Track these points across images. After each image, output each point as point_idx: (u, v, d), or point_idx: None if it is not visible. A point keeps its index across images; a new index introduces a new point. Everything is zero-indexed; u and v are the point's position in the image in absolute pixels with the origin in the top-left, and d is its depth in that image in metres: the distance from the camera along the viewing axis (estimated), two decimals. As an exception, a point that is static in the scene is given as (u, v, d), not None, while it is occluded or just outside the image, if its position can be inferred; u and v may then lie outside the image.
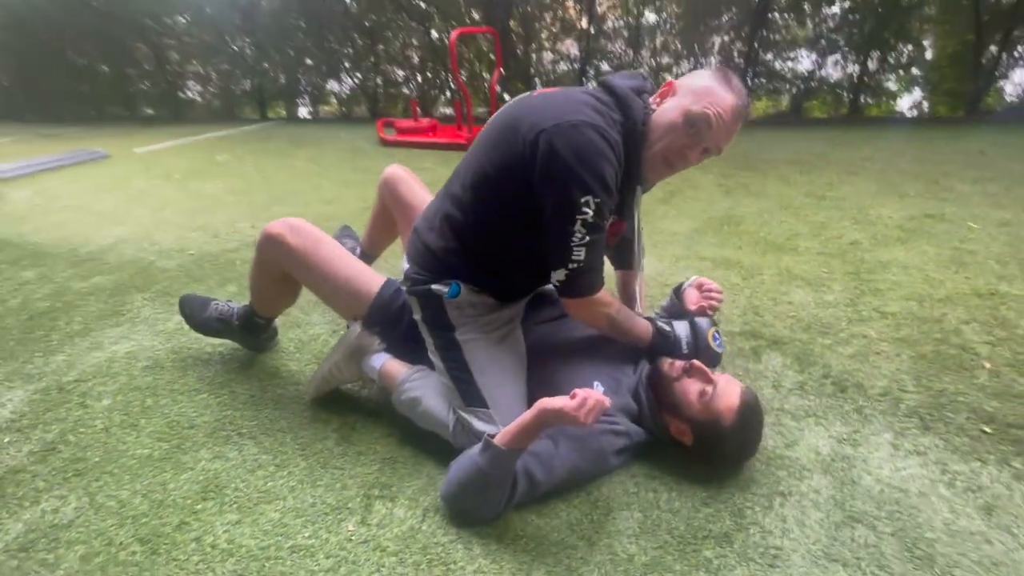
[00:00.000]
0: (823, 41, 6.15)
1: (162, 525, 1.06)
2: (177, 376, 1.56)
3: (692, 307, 1.30)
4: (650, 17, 7.01)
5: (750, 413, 1.04)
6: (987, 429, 1.18)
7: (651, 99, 1.07)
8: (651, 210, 2.76)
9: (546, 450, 1.05)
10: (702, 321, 1.23)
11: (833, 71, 6.22)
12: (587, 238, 0.99)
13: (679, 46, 7.14)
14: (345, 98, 9.70)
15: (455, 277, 1.15)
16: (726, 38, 7.02)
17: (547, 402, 0.94)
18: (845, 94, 6.26)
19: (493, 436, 0.99)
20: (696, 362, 1.10)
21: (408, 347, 1.31)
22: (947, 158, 3.42)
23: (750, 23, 6.29)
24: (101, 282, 2.25)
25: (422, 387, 1.24)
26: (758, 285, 1.88)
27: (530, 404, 1.17)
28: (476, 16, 7.38)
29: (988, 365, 1.38)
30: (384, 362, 1.30)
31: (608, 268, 1.20)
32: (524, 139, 0.97)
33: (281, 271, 1.34)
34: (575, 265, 1.02)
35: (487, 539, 1.00)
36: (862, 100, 6.16)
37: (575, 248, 1.00)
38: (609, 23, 7.25)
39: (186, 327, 1.61)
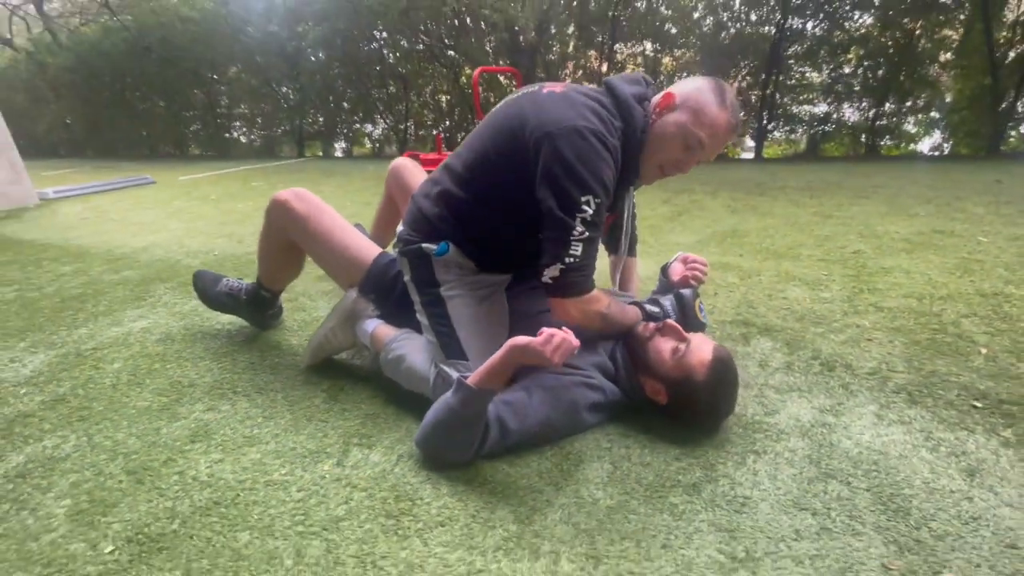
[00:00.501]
0: (839, 86, 6.29)
1: (150, 461, 1.11)
2: (185, 347, 1.64)
3: (677, 278, 1.32)
4: (667, 63, 7.32)
5: (723, 368, 1.04)
6: (978, 404, 1.14)
7: (651, 106, 1.11)
8: (658, 226, 2.82)
9: (519, 399, 1.07)
10: (686, 292, 1.26)
11: (850, 114, 6.33)
12: (586, 234, 1.03)
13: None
14: (378, 140, 10.28)
15: (447, 239, 1.20)
16: (743, 84, 7.25)
17: (515, 340, 0.97)
18: (863, 136, 6.33)
19: (466, 377, 1.01)
20: (669, 321, 1.11)
21: (401, 315, 1.36)
22: (962, 185, 3.40)
23: (765, 70, 6.50)
24: (130, 275, 2.41)
25: (407, 346, 1.28)
26: (755, 284, 1.88)
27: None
28: (502, 63, 7.84)
29: (984, 351, 1.34)
30: (376, 326, 1.36)
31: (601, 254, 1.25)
32: (529, 136, 1.03)
33: (286, 238, 1.43)
34: (571, 259, 1.04)
35: (455, 481, 1.01)
36: (880, 142, 6.20)
37: (573, 243, 1.03)
38: (628, 69, 7.61)
39: (200, 308, 1.71)
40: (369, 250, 1.40)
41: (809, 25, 6.20)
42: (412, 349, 1.27)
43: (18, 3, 12.37)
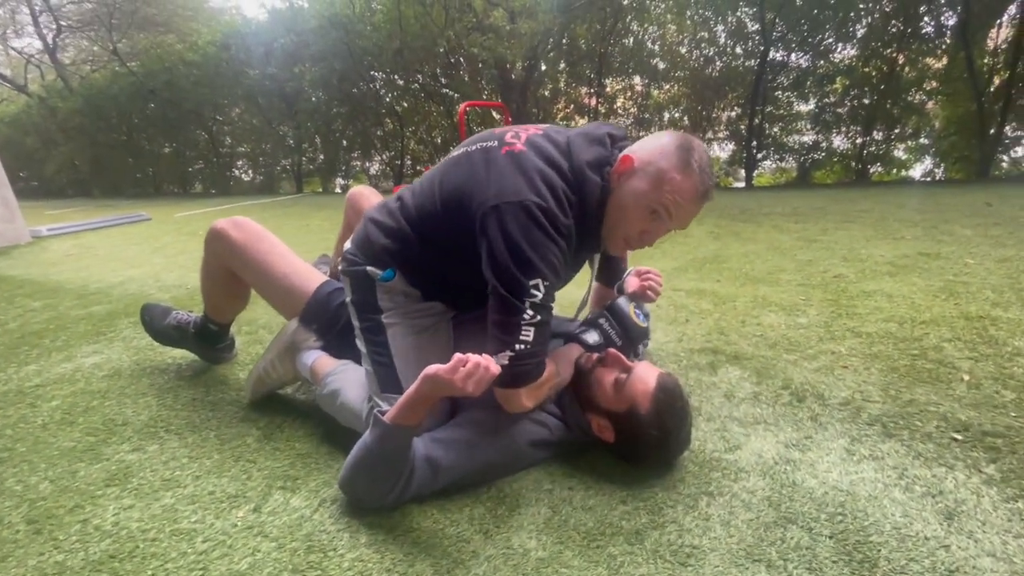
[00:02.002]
0: (826, 115, 6.35)
1: (56, 508, 1.02)
2: (131, 382, 1.57)
3: (630, 291, 1.26)
4: (656, 95, 7.45)
5: (668, 397, 0.96)
6: (958, 436, 1.04)
7: (611, 172, 1.00)
8: (641, 254, 2.76)
9: (452, 436, 0.99)
10: (619, 302, 1.19)
11: (839, 142, 6.36)
12: (536, 318, 0.94)
13: (687, 121, 7.49)
14: (375, 175, 10.44)
15: (393, 267, 1.12)
16: (732, 114, 7.35)
17: (428, 368, 0.88)
18: (854, 163, 6.34)
19: (383, 413, 0.93)
20: (611, 351, 1.04)
21: (344, 347, 1.28)
22: (950, 208, 3.34)
23: (752, 101, 6.58)
24: (97, 310, 2.36)
25: (343, 380, 1.20)
26: (728, 310, 1.80)
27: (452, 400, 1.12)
28: (495, 98, 8.01)
29: (967, 377, 1.25)
30: (315, 359, 1.28)
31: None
32: (477, 209, 0.95)
33: (226, 268, 1.37)
34: (522, 347, 0.95)
35: (377, 529, 0.91)
36: (871, 169, 6.21)
37: (524, 327, 0.94)
38: (619, 102, 7.74)
39: (154, 342, 1.64)
40: (311, 279, 1.34)
41: (793, 57, 6.32)
42: (348, 383, 1.19)
43: (33, 53, 12.91)
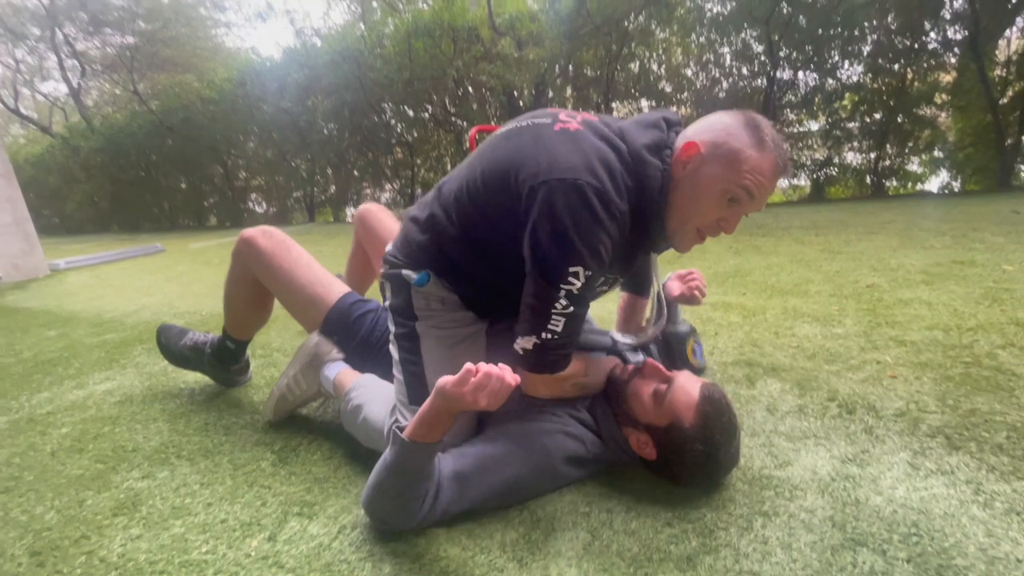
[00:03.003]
0: (836, 132, 6.34)
1: (61, 539, 0.96)
2: (142, 408, 1.53)
3: (675, 295, 1.20)
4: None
5: (715, 409, 0.88)
6: (1033, 448, 0.95)
7: (673, 157, 0.91)
8: (661, 272, 2.70)
9: (480, 452, 0.92)
10: (682, 330, 1.12)
11: (852, 157, 6.32)
12: (570, 309, 0.88)
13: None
14: (386, 203, 10.58)
15: (429, 268, 1.06)
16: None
17: (441, 381, 0.81)
18: (868, 178, 6.29)
19: (402, 429, 0.86)
20: (650, 360, 0.97)
21: (366, 360, 1.24)
22: (977, 217, 3.25)
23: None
24: (111, 338, 2.34)
25: (366, 395, 1.14)
26: (759, 322, 1.73)
27: (480, 417, 1.05)
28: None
29: (1031, 385, 1.16)
30: (338, 372, 1.23)
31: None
32: (523, 183, 0.87)
33: (252, 277, 1.34)
34: (549, 336, 0.89)
35: (402, 558, 0.84)
36: (886, 183, 6.14)
37: (554, 316, 0.88)
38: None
39: (170, 368, 1.61)
40: (334, 289, 1.31)
41: (800, 75, 6.36)
42: (371, 398, 1.13)
43: (59, 96, 13.46)
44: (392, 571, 0.81)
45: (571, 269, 0.85)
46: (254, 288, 1.37)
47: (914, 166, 6.22)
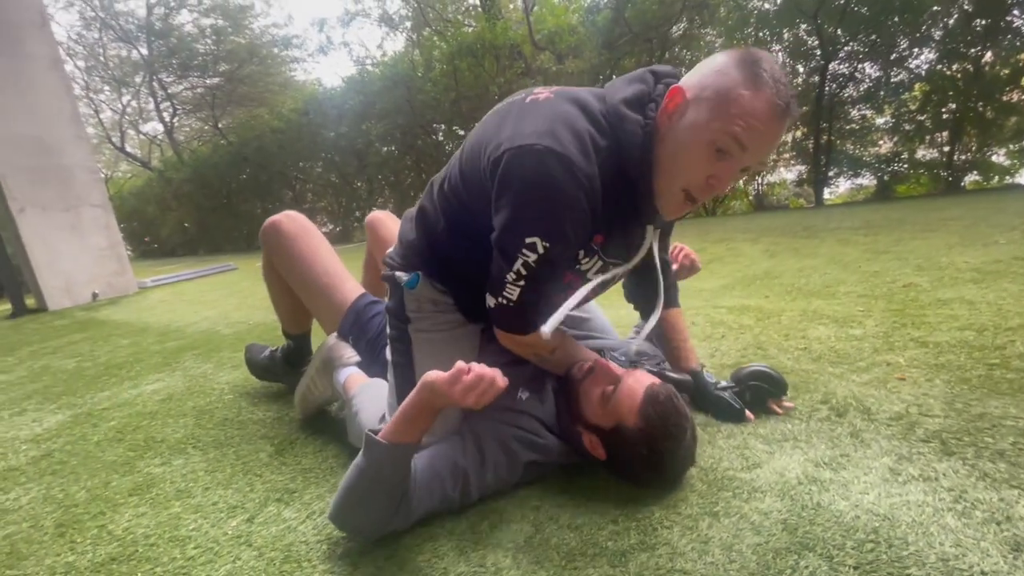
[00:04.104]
0: (905, 125, 5.83)
1: (83, 514, 1.10)
2: (178, 405, 1.69)
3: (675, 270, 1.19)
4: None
5: (658, 411, 0.85)
6: (1041, 455, 0.85)
7: (658, 112, 0.82)
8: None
9: (446, 451, 0.92)
10: (713, 387, 1.11)
11: (924, 152, 5.78)
12: (522, 281, 0.85)
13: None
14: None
15: (420, 269, 1.07)
16: (798, 134, 6.97)
17: (428, 375, 0.81)
18: (943, 173, 5.71)
19: (376, 432, 0.84)
20: (600, 360, 0.96)
21: (374, 360, 1.26)
22: (1062, 210, 2.88)
23: (820, 116, 6.22)
24: (170, 346, 2.60)
25: (366, 400, 1.17)
26: (771, 325, 1.64)
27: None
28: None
29: (1060, 388, 1.03)
30: (348, 376, 1.26)
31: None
32: (490, 156, 0.83)
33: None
34: (504, 302, 0.89)
35: (356, 540, 0.88)
36: (964, 178, 5.55)
37: (508, 285, 0.86)
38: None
39: (209, 371, 1.76)
40: (348, 284, 1.35)
41: (862, 67, 5.94)
42: (366, 402, 1.16)
43: (156, 135, 15.16)
44: (344, 552, 0.86)
45: (527, 240, 0.80)
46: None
47: (1000, 158, 5.59)
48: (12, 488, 1.25)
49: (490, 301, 0.91)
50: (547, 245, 0.81)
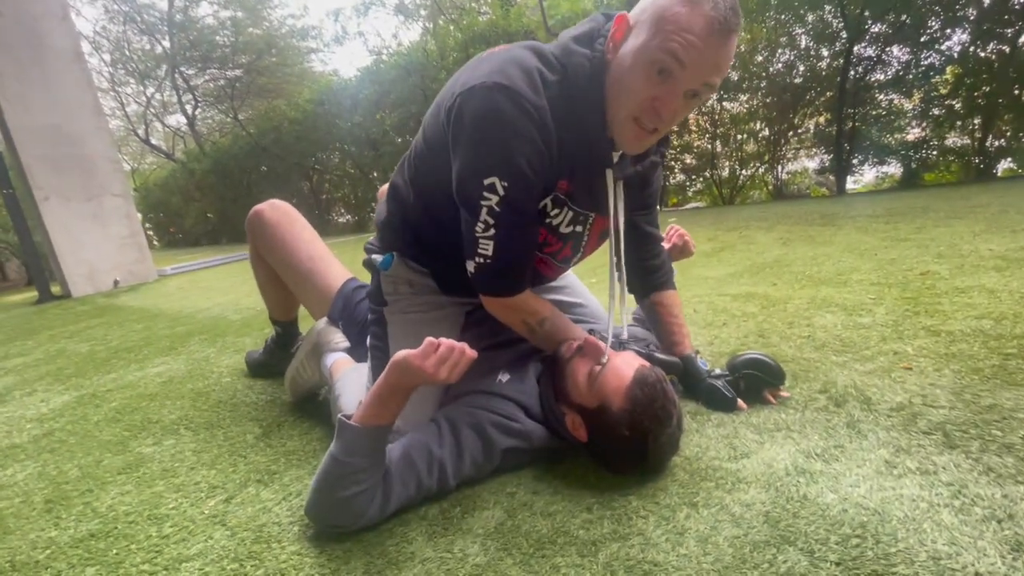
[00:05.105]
0: (935, 110, 5.57)
1: (72, 491, 1.11)
2: (177, 387, 1.71)
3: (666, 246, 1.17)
4: (729, 107, 7.04)
5: (646, 394, 0.82)
6: (1053, 449, 0.78)
7: (606, 44, 0.82)
8: (693, 262, 2.55)
9: (422, 440, 0.89)
10: (706, 375, 1.07)
11: (954, 138, 5.52)
12: (492, 230, 0.83)
13: (768, 132, 6.98)
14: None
15: (394, 249, 1.07)
16: (821, 120, 6.72)
17: (399, 354, 0.79)
18: (975, 160, 5.44)
19: (349, 417, 0.82)
20: (590, 338, 0.92)
21: (361, 344, 1.24)
22: (1100, 196, 2.71)
23: (845, 102, 5.98)
24: (179, 330, 2.64)
25: (347, 385, 1.17)
26: (776, 312, 1.57)
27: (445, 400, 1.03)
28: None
29: (1081, 380, 0.95)
30: (335, 360, 1.25)
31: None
32: (446, 107, 0.83)
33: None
34: (482, 260, 0.87)
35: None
36: (997, 165, 5.28)
37: (481, 240, 0.84)
38: (692, 118, 7.41)
39: (212, 355, 1.78)
40: (335, 268, 1.35)
41: (890, 51, 5.68)
42: (347, 387, 1.16)
43: (179, 127, 15.46)
44: (315, 534, 0.85)
45: (485, 182, 0.79)
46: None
47: (1037, 143, 5.30)
48: (10, 464, 1.28)
49: (470, 267, 0.90)
50: (506, 185, 0.80)
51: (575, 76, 0.81)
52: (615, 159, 0.89)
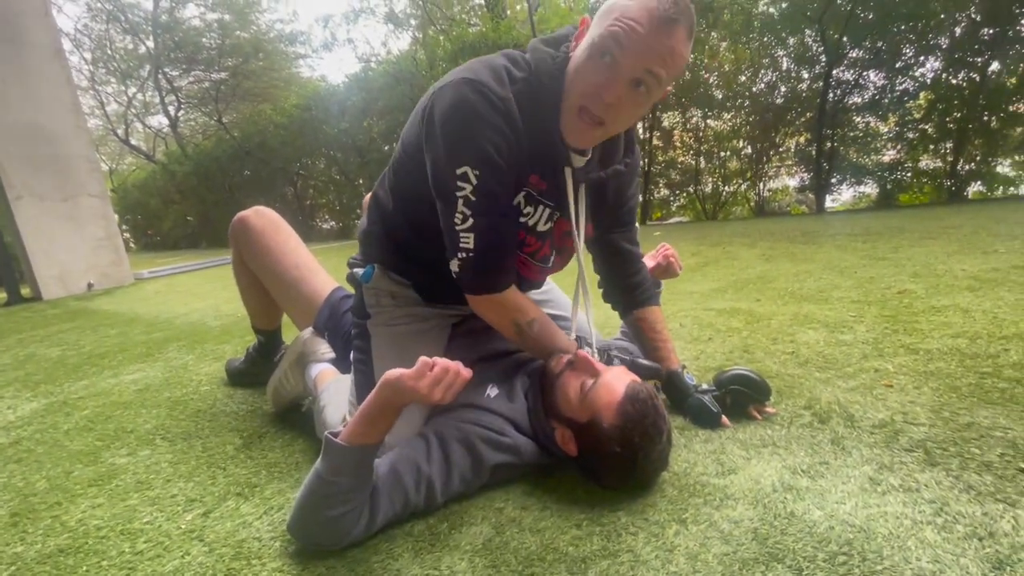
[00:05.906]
0: (909, 134, 5.78)
1: (40, 504, 1.06)
2: (153, 395, 1.66)
3: (651, 267, 1.20)
4: (713, 125, 7.20)
5: (637, 410, 0.82)
6: (1028, 467, 0.81)
7: (571, 45, 0.86)
8: (679, 276, 2.58)
9: (409, 455, 0.87)
10: (691, 389, 1.08)
11: (927, 161, 5.73)
12: (471, 220, 0.84)
13: (751, 151, 7.15)
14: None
15: (376, 261, 1.06)
16: (801, 140, 6.92)
17: (390, 373, 0.78)
18: (946, 183, 5.65)
19: (336, 435, 0.80)
20: (581, 352, 0.92)
21: (347, 356, 1.22)
22: (1065, 221, 2.83)
23: (824, 123, 6.16)
24: (156, 336, 2.57)
25: (330, 396, 1.15)
26: (760, 328, 1.60)
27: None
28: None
29: (1053, 399, 0.98)
30: (319, 371, 1.24)
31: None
32: (421, 108, 0.88)
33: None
34: (465, 255, 0.88)
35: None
36: (967, 188, 5.48)
37: (461, 234, 0.86)
38: (676, 135, 7.56)
39: (190, 362, 1.74)
40: (320, 276, 1.33)
41: (866, 75, 5.89)
42: (332, 399, 1.14)
43: (161, 128, 15.20)
44: (296, 550, 0.82)
45: (458, 171, 0.82)
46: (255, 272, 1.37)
47: (1005, 168, 5.53)
48: (-27, 476, 1.22)
49: (454, 266, 0.91)
50: (477, 173, 0.82)
51: (539, 73, 0.85)
52: (581, 162, 0.93)
